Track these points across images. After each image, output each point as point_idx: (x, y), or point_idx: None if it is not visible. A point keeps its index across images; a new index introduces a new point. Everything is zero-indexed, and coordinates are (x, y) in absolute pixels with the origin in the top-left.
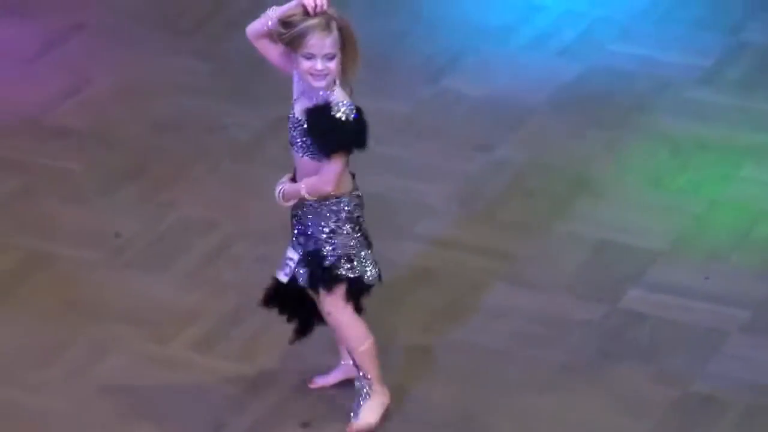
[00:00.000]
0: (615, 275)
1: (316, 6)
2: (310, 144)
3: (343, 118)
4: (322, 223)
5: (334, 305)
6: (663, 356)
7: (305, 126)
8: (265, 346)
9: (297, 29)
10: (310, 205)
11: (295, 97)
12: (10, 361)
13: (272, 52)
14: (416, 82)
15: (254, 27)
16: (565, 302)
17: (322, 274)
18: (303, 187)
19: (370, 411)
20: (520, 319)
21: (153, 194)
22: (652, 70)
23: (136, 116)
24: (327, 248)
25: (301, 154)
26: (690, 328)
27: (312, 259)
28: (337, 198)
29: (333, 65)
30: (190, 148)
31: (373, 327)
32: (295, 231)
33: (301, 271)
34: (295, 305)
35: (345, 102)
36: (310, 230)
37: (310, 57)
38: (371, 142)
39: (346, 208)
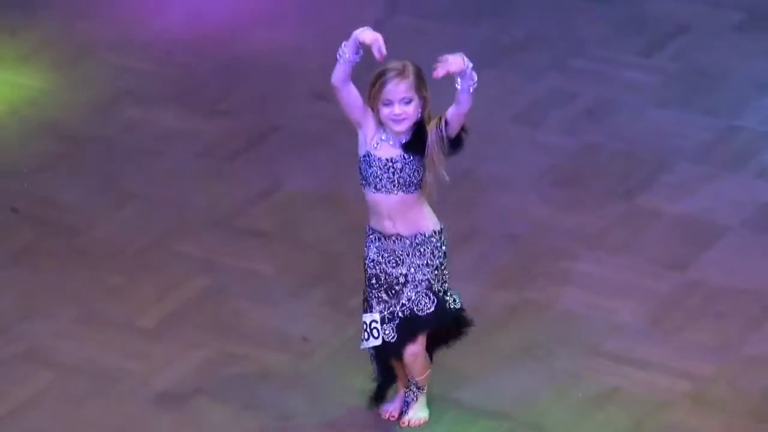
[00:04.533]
0: None
1: (380, 48)
2: (408, 173)
3: None
4: (424, 262)
5: (422, 343)
6: None
7: (404, 155)
8: None
9: (376, 84)
10: (407, 246)
11: (363, 153)
12: None
13: (354, 99)
14: (611, 198)
15: (338, 72)
16: (750, 427)
17: (444, 313)
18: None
19: (421, 409)
20: None
21: (343, 299)
22: None
23: (327, 220)
24: (435, 285)
25: (395, 192)
26: None
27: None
28: (435, 232)
29: (411, 109)
30: None
31: None
32: (382, 288)
33: (387, 330)
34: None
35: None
36: (412, 286)
37: (388, 103)
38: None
39: (443, 239)
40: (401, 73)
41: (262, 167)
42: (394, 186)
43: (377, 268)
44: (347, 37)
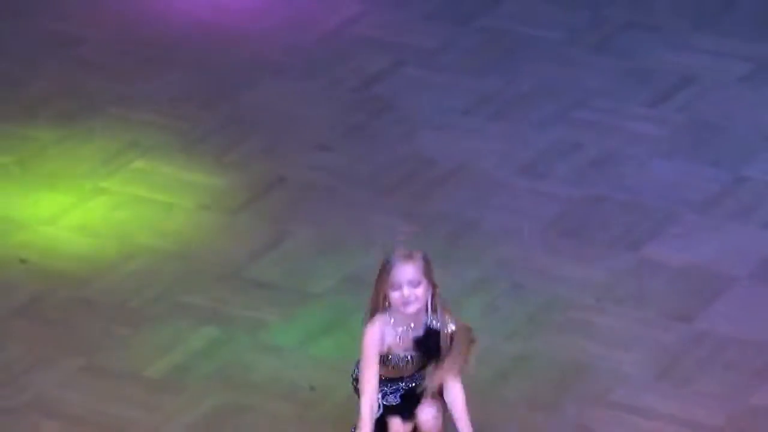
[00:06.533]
0: None
1: None
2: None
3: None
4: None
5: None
6: None
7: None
8: None
9: (383, 271)
10: None
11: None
12: None
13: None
14: (617, 249)
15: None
16: None
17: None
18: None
19: None
20: None
21: (350, 348)
22: None
23: (334, 270)
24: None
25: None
26: None
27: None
28: None
29: (420, 291)
30: None
31: None
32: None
33: (389, 399)
34: None
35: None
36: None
37: (397, 287)
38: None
39: None
40: (408, 257)
41: (268, 218)
42: (412, 366)
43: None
44: (352, 88)
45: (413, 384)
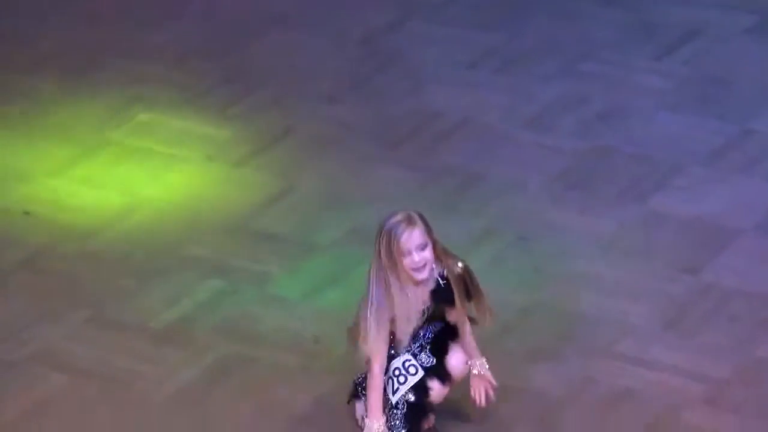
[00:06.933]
0: None
1: None
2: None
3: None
4: None
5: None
6: None
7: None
8: None
9: (387, 243)
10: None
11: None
12: None
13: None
14: (623, 201)
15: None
16: (764, 429)
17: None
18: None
19: None
20: None
21: (354, 301)
22: None
23: (340, 223)
24: None
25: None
26: None
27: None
28: None
29: (428, 254)
30: None
31: None
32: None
33: (423, 359)
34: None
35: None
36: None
37: (406, 254)
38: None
39: None
40: (410, 222)
41: (274, 170)
42: (424, 322)
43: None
44: (358, 41)
45: (431, 334)
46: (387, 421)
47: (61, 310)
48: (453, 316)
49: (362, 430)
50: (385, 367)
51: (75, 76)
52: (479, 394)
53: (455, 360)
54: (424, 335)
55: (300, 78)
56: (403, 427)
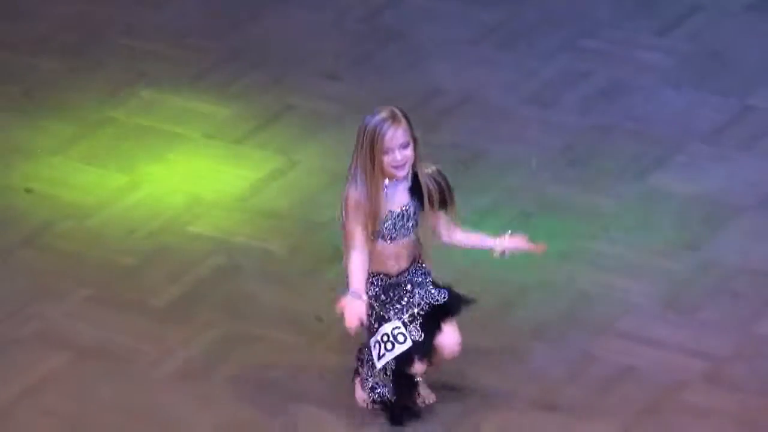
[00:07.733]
0: None
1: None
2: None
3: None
4: (427, 272)
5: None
6: None
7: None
8: None
9: (370, 138)
10: (409, 273)
11: (384, 219)
12: None
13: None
14: (625, 178)
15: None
16: (766, 406)
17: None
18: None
19: None
20: (720, 419)
21: None
22: None
23: (339, 200)
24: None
25: (409, 236)
26: None
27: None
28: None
29: (409, 152)
30: None
31: (575, 424)
32: (403, 302)
33: (412, 331)
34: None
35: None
36: (419, 287)
37: (388, 152)
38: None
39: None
40: (394, 119)
41: (275, 147)
42: (408, 231)
43: (379, 303)
44: (359, 18)
45: (426, 305)
46: (366, 366)
47: (62, 287)
48: (430, 220)
49: (360, 364)
50: (365, 248)
51: (76, 55)
52: (531, 246)
53: (449, 338)
54: (418, 303)
55: (301, 55)
56: (391, 394)
